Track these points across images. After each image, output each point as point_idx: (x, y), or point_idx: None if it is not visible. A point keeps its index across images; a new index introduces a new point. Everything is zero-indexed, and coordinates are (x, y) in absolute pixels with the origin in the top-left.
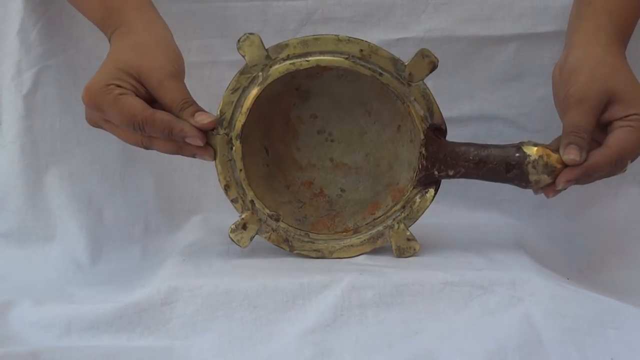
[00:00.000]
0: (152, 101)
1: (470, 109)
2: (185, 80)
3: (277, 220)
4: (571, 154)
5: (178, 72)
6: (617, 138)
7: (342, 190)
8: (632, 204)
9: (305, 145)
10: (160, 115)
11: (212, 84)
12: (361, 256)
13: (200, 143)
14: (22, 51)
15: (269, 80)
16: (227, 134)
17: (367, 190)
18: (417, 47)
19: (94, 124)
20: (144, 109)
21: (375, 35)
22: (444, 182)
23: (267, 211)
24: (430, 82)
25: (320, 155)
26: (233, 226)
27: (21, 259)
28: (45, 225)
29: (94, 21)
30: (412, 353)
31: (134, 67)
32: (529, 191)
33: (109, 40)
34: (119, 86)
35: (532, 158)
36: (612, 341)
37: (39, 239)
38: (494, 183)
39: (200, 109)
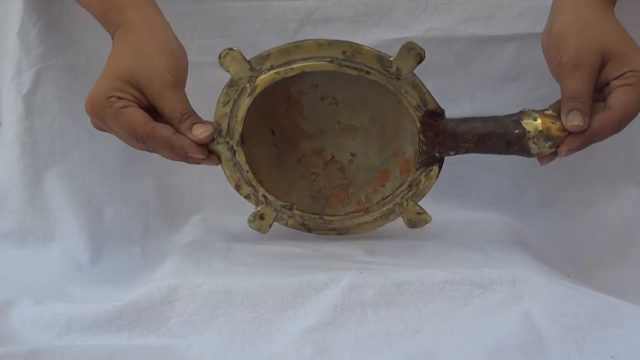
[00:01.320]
0: (154, 109)
1: (470, 109)
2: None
3: (290, 209)
4: (575, 120)
5: (178, 79)
6: (618, 100)
7: (353, 155)
8: (632, 203)
9: (311, 113)
10: (161, 130)
11: (212, 84)
12: (362, 253)
13: (201, 156)
14: (22, 51)
15: (258, 90)
16: (228, 142)
17: (375, 155)
18: None
19: (100, 129)
20: (145, 122)
21: (375, 35)
22: (444, 183)
23: (280, 202)
24: (430, 82)
25: (328, 119)
26: (251, 217)
27: (21, 259)
28: (45, 225)
29: (96, 18)
30: (412, 352)
31: (134, 76)
32: (529, 191)
33: (112, 39)
34: (120, 98)
35: (531, 134)
36: (612, 340)
37: (39, 239)
38: (494, 182)
39: (198, 120)
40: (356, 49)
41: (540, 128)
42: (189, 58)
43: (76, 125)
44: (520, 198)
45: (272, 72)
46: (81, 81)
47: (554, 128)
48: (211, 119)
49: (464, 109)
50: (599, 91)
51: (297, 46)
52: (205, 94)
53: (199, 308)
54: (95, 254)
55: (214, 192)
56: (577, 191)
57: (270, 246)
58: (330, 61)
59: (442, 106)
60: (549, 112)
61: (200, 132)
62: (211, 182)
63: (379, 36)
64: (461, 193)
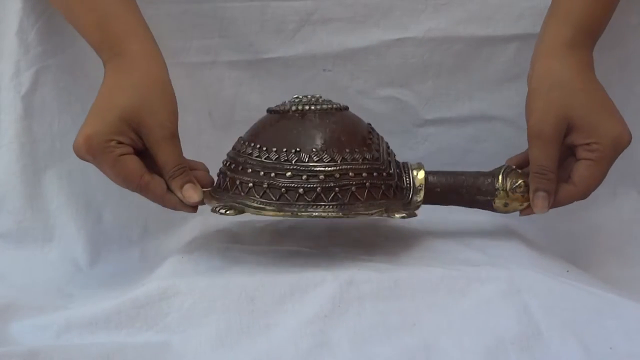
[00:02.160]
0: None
1: (470, 109)
2: (185, 80)
3: None
4: (538, 206)
5: (175, 126)
6: (581, 175)
7: None
8: (631, 204)
9: None
10: (154, 187)
11: (211, 84)
12: (360, 252)
13: (192, 212)
14: (21, 51)
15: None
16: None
17: None
18: (416, 47)
19: (84, 160)
20: (141, 175)
21: (374, 36)
22: None
23: None
24: (430, 82)
25: None
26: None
27: (19, 259)
28: (44, 226)
29: (89, 42)
30: (410, 344)
31: (135, 120)
32: None
33: (104, 65)
34: (120, 142)
35: (497, 205)
36: (611, 331)
37: (38, 240)
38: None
39: (189, 180)
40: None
41: (509, 209)
42: (189, 58)
43: (75, 126)
44: None
45: None
46: (80, 81)
47: (519, 202)
48: (209, 118)
49: (464, 109)
50: (569, 149)
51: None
52: (205, 93)
53: (197, 302)
54: (94, 255)
55: None
56: None
57: (268, 246)
58: None
59: (442, 106)
60: (520, 185)
61: (189, 195)
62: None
63: (378, 37)
64: None
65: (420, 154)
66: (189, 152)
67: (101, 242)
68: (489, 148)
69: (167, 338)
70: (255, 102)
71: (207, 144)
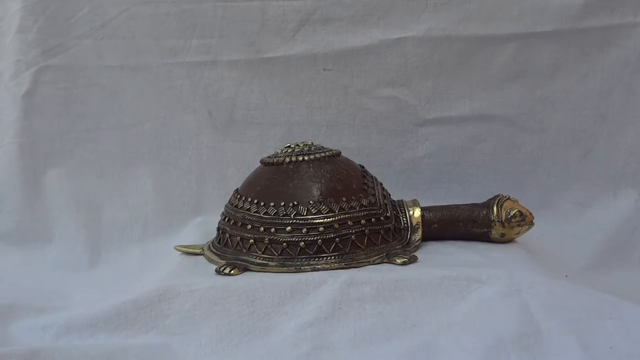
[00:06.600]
0: None
1: (470, 108)
2: (185, 80)
3: None
4: None
5: None
6: None
7: None
8: (631, 204)
9: None
10: None
11: (211, 83)
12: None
13: None
14: (21, 51)
15: None
16: None
17: None
18: (417, 46)
19: None
20: None
21: (374, 35)
22: (444, 182)
23: None
24: (430, 82)
25: None
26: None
27: (20, 259)
28: (44, 226)
29: None
30: (410, 345)
31: None
32: (529, 191)
33: None
34: None
35: (496, 241)
36: (610, 331)
37: (38, 240)
38: (494, 183)
39: None
40: None
41: (504, 231)
42: (189, 58)
43: (75, 126)
44: (519, 198)
45: None
46: (80, 82)
47: (516, 231)
48: (209, 118)
49: (464, 109)
50: None
51: None
52: (205, 93)
53: (197, 304)
54: (94, 255)
55: (213, 194)
56: (576, 192)
57: None
58: None
59: (442, 106)
60: (515, 215)
61: None
62: (210, 183)
63: (378, 36)
64: (461, 193)
65: (420, 153)
66: (189, 152)
67: (101, 241)
68: (489, 147)
69: (167, 340)
70: (255, 102)
71: (207, 144)
